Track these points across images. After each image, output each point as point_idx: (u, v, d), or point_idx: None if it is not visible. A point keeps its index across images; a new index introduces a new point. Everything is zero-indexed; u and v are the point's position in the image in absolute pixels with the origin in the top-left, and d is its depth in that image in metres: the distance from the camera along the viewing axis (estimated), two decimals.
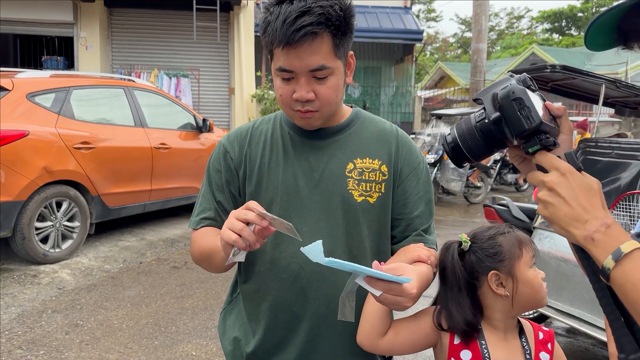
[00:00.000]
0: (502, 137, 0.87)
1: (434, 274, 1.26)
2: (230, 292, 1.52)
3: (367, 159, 1.34)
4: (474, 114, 0.92)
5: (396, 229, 1.37)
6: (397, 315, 1.30)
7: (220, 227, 1.32)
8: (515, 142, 0.87)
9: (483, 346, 1.22)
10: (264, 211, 1.07)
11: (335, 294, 1.22)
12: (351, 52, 1.29)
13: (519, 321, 1.29)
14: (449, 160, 9.24)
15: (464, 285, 1.23)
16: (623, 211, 1.88)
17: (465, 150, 0.92)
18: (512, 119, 0.84)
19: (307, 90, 1.20)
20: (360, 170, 1.32)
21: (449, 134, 0.94)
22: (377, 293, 1.01)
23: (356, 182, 1.32)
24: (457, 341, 1.23)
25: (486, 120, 0.88)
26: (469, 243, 1.25)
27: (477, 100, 0.91)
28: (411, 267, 1.11)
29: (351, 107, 1.44)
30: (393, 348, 1.25)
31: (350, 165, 1.32)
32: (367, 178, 1.32)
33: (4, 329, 3.67)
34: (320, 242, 0.96)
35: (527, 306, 1.24)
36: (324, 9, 1.15)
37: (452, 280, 1.24)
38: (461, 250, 1.25)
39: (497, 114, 0.86)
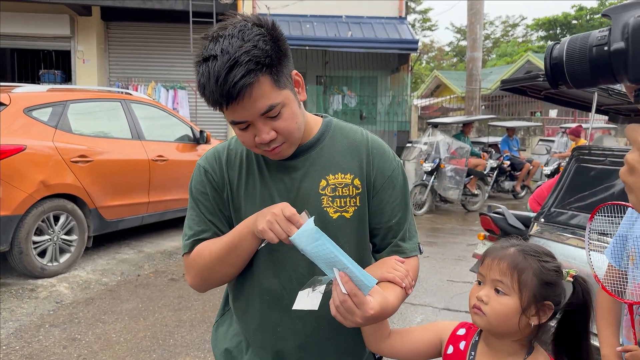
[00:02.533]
0: (615, 72, 0.73)
1: (407, 294, 1.28)
2: (222, 305, 1.53)
3: (340, 174, 1.33)
4: (596, 33, 0.75)
5: (376, 238, 1.39)
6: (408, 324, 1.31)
7: None
8: (628, 84, 0.73)
9: (470, 357, 1.23)
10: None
11: (320, 312, 1.24)
12: (295, 71, 1.26)
13: (531, 351, 1.20)
14: (446, 169, 9.29)
15: None
16: (603, 222, 1.83)
17: (568, 72, 0.78)
18: (637, 58, 0.69)
19: (266, 132, 1.20)
20: (333, 186, 1.32)
21: (557, 46, 0.80)
22: (344, 290, 1.06)
23: (330, 199, 1.31)
24: (450, 351, 1.27)
25: (605, 48, 0.73)
26: None
27: (605, 16, 0.75)
28: (380, 293, 1.15)
29: (322, 116, 1.43)
30: (396, 352, 1.30)
31: (323, 182, 1.32)
32: (340, 194, 1.32)
33: (2, 344, 3.66)
34: (311, 219, 1.07)
35: None
36: (250, 54, 1.11)
37: None
38: None
39: (622, 44, 0.70)
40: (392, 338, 1.28)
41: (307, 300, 1.13)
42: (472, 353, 1.24)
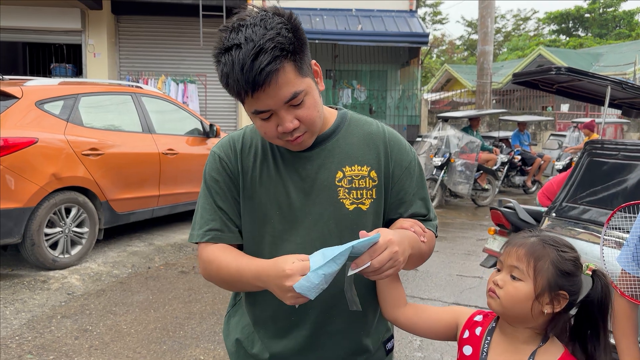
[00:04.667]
0: None
1: (424, 243, 1.29)
2: (234, 295, 1.53)
3: (356, 166, 1.33)
4: None
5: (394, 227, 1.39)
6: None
7: (227, 238, 1.33)
8: None
9: (486, 341, 1.24)
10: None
11: (332, 303, 1.25)
12: (314, 61, 1.27)
13: (546, 340, 1.21)
14: (456, 163, 9.25)
15: None
16: (622, 221, 1.75)
17: None
18: None
19: (290, 120, 1.20)
20: (349, 178, 1.32)
21: None
22: (367, 264, 1.09)
23: (346, 190, 1.31)
24: (465, 335, 1.28)
25: None
26: None
27: None
28: (387, 229, 1.18)
29: (337, 109, 1.43)
30: (411, 326, 1.32)
31: (340, 174, 1.32)
32: (357, 186, 1.32)
33: (15, 334, 3.71)
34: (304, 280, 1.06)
35: None
36: (274, 40, 1.12)
37: None
38: None
39: None
40: (408, 309, 1.31)
41: (352, 302, 1.17)
42: (488, 338, 1.25)
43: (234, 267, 1.26)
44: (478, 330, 1.27)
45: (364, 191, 1.32)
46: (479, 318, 1.30)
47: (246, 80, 1.12)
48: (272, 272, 1.14)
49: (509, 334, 1.23)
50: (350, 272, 1.10)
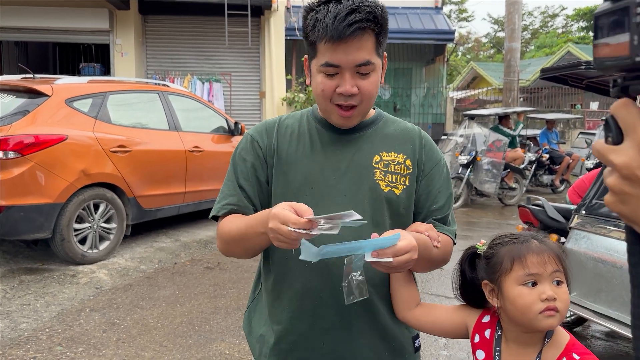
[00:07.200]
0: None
1: (436, 248, 1.30)
2: (253, 289, 1.54)
3: (393, 152, 1.38)
4: None
5: (415, 220, 1.41)
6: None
7: (242, 213, 1.38)
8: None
9: (497, 353, 1.22)
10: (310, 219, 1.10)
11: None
12: (386, 53, 1.34)
13: (548, 336, 1.19)
14: (483, 162, 9.12)
15: (471, 285, 1.29)
16: None
17: None
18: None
19: (351, 84, 1.25)
20: (386, 162, 1.37)
21: None
22: (390, 259, 1.10)
23: (382, 173, 1.35)
24: (476, 339, 1.26)
25: None
26: (483, 249, 1.26)
27: None
28: (410, 233, 1.20)
29: (373, 108, 1.47)
30: (420, 324, 1.34)
31: (377, 158, 1.37)
32: (392, 170, 1.36)
33: (45, 327, 3.79)
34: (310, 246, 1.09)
35: (519, 324, 1.16)
36: (371, 7, 1.22)
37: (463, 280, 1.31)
38: (477, 254, 1.28)
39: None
40: (418, 310, 1.33)
41: (356, 290, 1.16)
42: (498, 349, 1.22)
43: (244, 224, 1.31)
44: (487, 333, 1.25)
45: (399, 177, 1.36)
46: (486, 319, 1.28)
47: (335, 27, 1.19)
48: (267, 213, 1.18)
49: (512, 339, 1.21)
50: (368, 258, 1.11)
